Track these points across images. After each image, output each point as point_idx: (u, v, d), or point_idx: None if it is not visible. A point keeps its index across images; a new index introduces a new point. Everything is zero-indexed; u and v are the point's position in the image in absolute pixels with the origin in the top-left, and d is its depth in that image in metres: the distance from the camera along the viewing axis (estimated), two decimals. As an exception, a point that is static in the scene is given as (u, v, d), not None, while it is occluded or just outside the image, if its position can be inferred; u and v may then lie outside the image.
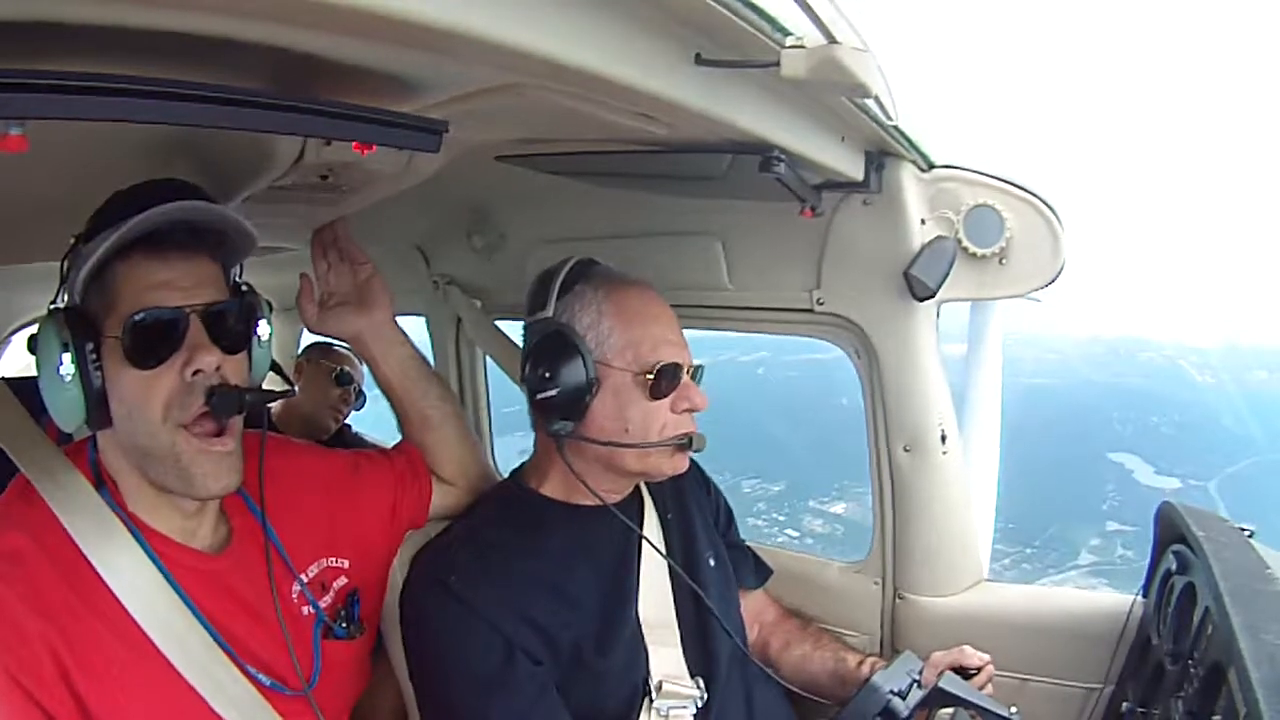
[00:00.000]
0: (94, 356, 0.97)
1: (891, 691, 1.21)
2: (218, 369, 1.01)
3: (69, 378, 0.96)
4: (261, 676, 1.08)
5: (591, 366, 1.25)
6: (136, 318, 0.97)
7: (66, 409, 0.97)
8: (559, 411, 1.26)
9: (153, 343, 0.98)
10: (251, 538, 1.15)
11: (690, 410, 1.30)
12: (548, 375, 1.25)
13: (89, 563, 0.98)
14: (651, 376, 1.25)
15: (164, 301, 0.98)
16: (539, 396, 1.26)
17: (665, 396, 1.27)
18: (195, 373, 0.99)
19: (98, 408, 0.98)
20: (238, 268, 1.13)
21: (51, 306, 1.00)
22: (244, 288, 1.11)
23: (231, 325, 1.05)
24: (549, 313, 1.30)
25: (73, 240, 1.03)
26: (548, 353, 1.26)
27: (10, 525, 0.99)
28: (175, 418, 0.99)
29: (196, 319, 1.00)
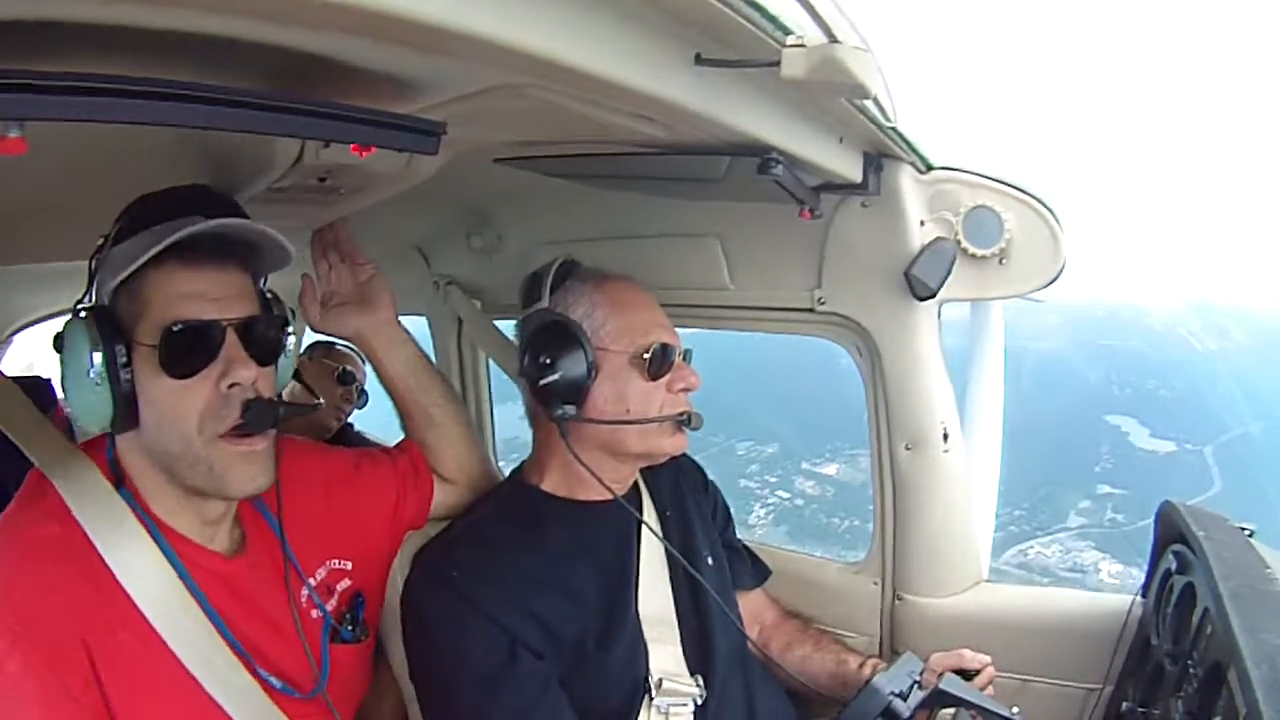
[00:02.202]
0: (124, 360, 0.97)
1: (892, 693, 1.21)
2: (254, 382, 1.01)
3: (98, 380, 0.95)
4: (273, 680, 1.08)
5: (590, 351, 1.28)
6: (175, 329, 0.97)
7: (92, 411, 0.97)
8: (561, 397, 1.28)
9: (188, 353, 0.98)
10: (264, 541, 1.15)
11: (686, 389, 1.34)
12: (548, 362, 1.28)
13: (104, 561, 0.98)
14: (647, 357, 1.29)
15: (199, 313, 0.98)
16: (541, 383, 1.28)
17: (661, 377, 1.31)
18: (231, 386, 1.00)
19: (125, 411, 0.98)
20: (265, 277, 1.13)
21: (80, 307, 1.00)
22: (269, 295, 1.11)
23: (264, 337, 1.05)
24: (545, 304, 1.34)
25: (101, 241, 1.03)
26: (547, 341, 1.29)
27: (36, 518, 0.99)
28: (210, 428, 0.99)
29: (232, 332, 1.01)
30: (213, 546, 1.08)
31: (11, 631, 0.89)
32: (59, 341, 0.99)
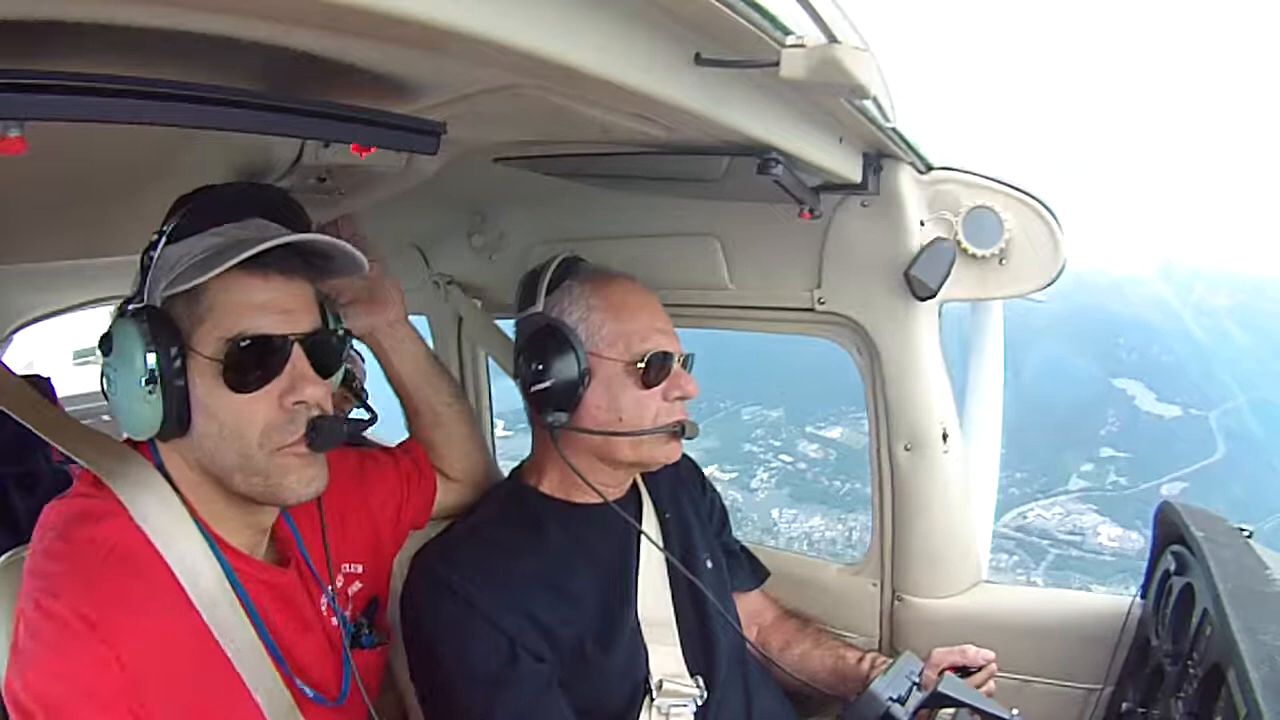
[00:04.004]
0: (178, 365, 0.93)
1: (890, 698, 1.19)
2: (319, 399, 0.99)
3: (152, 387, 0.92)
4: (307, 689, 1.07)
5: (583, 358, 1.27)
6: (243, 344, 0.94)
7: (140, 417, 0.93)
8: (552, 404, 1.28)
9: (254, 369, 0.95)
10: (290, 551, 1.15)
11: (682, 398, 1.32)
12: (540, 368, 1.27)
13: (164, 561, 0.95)
14: (643, 365, 1.28)
15: (267, 327, 0.95)
16: (533, 389, 1.28)
17: (657, 385, 1.29)
18: (297, 403, 0.97)
19: (176, 419, 0.94)
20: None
21: (132, 307, 0.95)
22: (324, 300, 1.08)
23: (329, 350, 1.02)
24: (539, 307, 1.32)
25: (154, 236, 0.98)
26: (540, 347, 1.28)
27: (101, 516, 0.95)
28: (271, 443, 0.97)
29: (299, 348, 0.98)
30: (259, 556, 1.07)
31: (87, 620, 0.86)
32: (106, 343, 0.95)
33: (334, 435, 0.99)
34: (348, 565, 1.23)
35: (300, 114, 0.74)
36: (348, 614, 1.20)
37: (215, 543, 1.00)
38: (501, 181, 1.52)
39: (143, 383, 0.91)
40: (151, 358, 0.91)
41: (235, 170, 1.15)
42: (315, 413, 0.99)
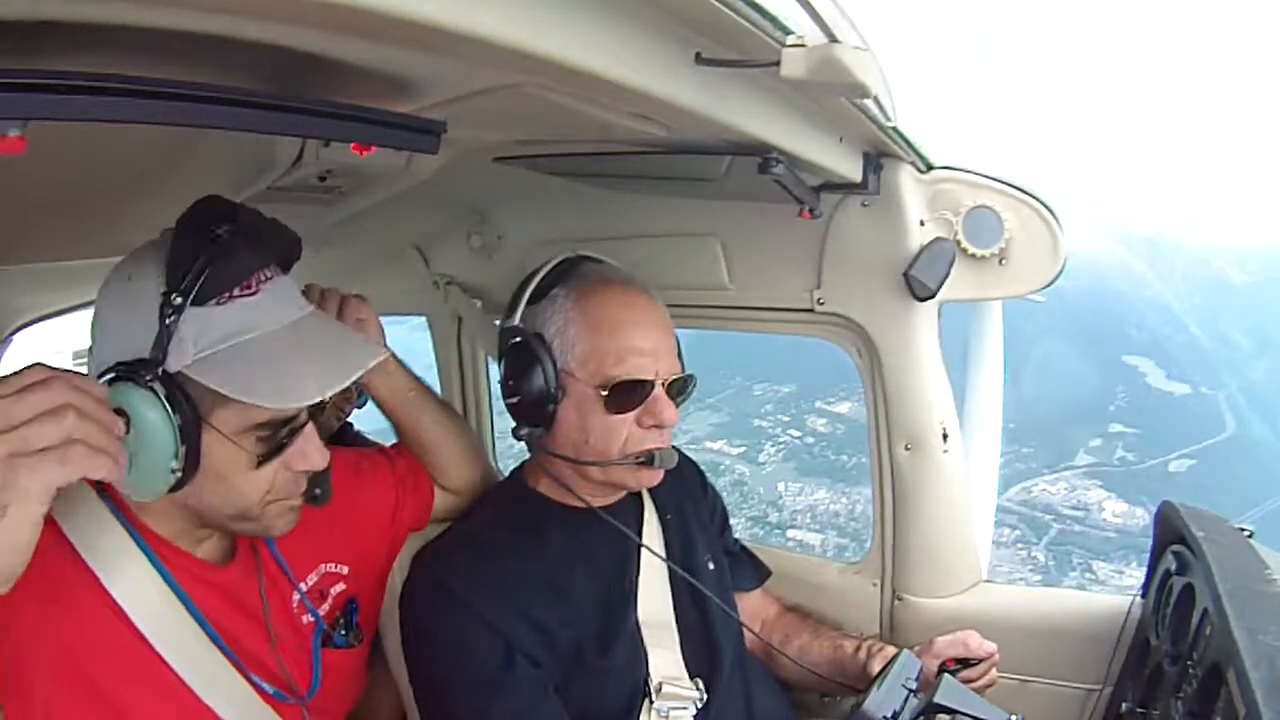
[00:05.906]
0: (194, 436, 0.90)
1: (884, 717, 1.13)
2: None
3: (176, 465, 0.88)
4: (265, 685, 1.07)
5: (553, 376, 1.22)
6: (262, 434, 0.96)
7: (156, 490, 0.90)
8: (526, 418, 1.26)
9: (275, 448, 0.98)
10: (253, 546, 1.14)
11: (657, 426, 1.24)
12: (512, 382, 1.24)
13: (88, 565, 0.96)
14: (606, 393, 1.21)
15: (287, 411, 0.97)
16: (507, 402, 1.26)
17: (626, 412, 1.23)
18: (304, 471, 1.02)
19: (181, 485, 0.91)
20: None
21: (149, 374, 0.87)
22: None
23: (327, 424, 1.06)
24: (515, 319, 1.28)
25: (167, 292, 0.90)
26: (513, 359, 1.25)
27: None
28: (273, 498, 1.01)
29: (311, 422, 1.02)
30: (199, 553, 1.06)
31: None
32: (119, 401, 0.85)
33: (325, 490, 1.09)
34: (331, 565, 1.23)
35: (300, 113, 0.74)
36: (322, 612, 1.19)
37: (145, 539, 1.00)
38: (501, 182, 1.52)
39: (172, 468, 0.88)
40: (183, 449, 0.88)
41: (235, 169, 1.15)
42: (317, 469, 1.04)
